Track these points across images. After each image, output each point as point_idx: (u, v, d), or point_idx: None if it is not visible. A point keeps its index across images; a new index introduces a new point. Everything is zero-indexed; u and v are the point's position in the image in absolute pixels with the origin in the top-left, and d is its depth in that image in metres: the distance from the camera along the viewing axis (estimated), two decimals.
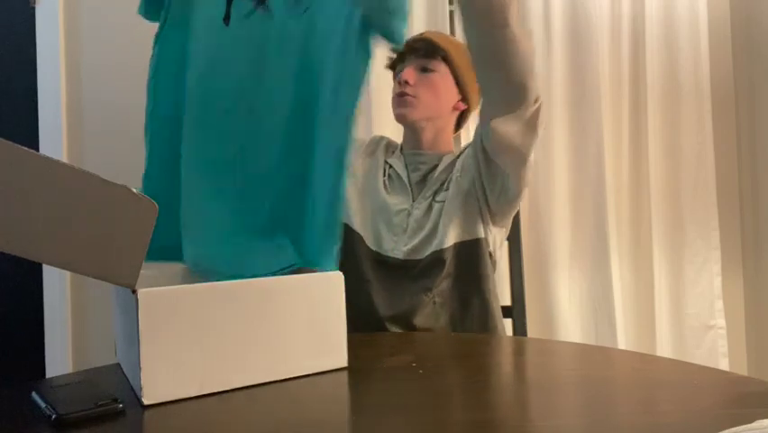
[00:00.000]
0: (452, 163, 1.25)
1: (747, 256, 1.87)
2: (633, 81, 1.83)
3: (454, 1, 1.80)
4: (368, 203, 1.23)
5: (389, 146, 1.34)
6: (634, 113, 1.84)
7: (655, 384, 0.72)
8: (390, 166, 1.28)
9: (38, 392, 0.67)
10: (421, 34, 1.30)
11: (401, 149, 1.31)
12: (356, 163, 1.27)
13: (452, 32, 1.83)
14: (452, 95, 1.27)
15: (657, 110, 1.82)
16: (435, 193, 1.22)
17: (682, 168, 1.82)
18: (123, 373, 0.79)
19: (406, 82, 1.22)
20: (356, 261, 1.18)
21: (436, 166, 1.25)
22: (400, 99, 1.24)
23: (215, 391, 0.70)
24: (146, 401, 0.66)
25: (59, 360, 1.82)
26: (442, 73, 1.25)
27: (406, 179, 1.25)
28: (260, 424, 0.62)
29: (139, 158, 1.87)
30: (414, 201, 1.23)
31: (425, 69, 1.24)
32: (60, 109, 1.85)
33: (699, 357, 1.78)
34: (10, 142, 0.56)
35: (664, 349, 1.79)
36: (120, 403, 0.64)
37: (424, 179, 1.25)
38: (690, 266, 1.82)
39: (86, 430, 0.59)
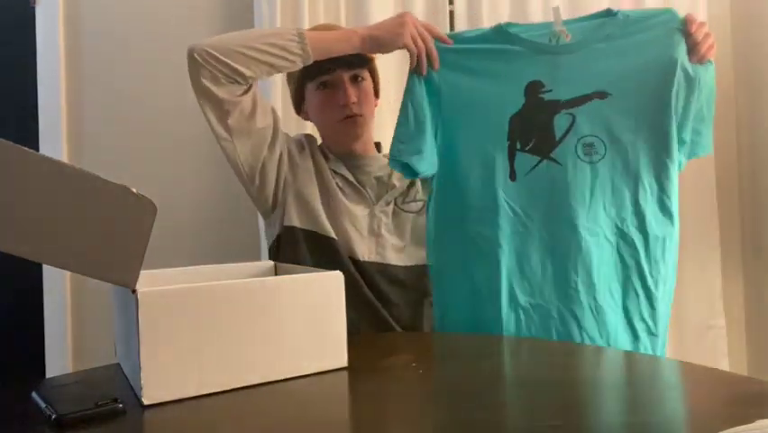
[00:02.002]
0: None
1: (747, 256, 1.86)
2: None
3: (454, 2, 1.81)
4: (329, 207, 1.19)
5: (319, 148, 1.29)
6: None
7: (655, 384, 0.72)
8: (335, 171, 1.23)
9: (38, 392, 0.67)
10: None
11: (323, 152, 1.27)
12: (306, 165, 1.22)
13: (452, 31, 1.83)
14: (373, 95, 1.27)
15: None
16: (400, 200, 1.23)
17: (682, 168, 1.82)
18: (123, 373, 0.79)
19: (352, 102, 1.19)
20: (341, 267, 1.15)
21: (383, 169, 1.25)
22: (350, 121, 1.21)
23: (215, 391, 0.70)
24: (146, 401, 0.66)
25: (59, 360, 1.82)
26: (367, 78, 1.25)
27: (357, 184, 1.22)
28: (260, 424, 0.62)
29: (139, 158, 1.88)
30: (375, 204, 1.21)
31: (355, 78, 1.22)
32: (60, 109, 1.85)
33: (699, 357, 1.78)
34: (10, 143, 0.56)
35: (664, 349, 1.79)
36: (120, 403, 0.64)
37: (377, 183, 1.24)
38: (690, 266, 1.82)
39: (86, 430, 0.59)
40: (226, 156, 1.13)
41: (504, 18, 1.82)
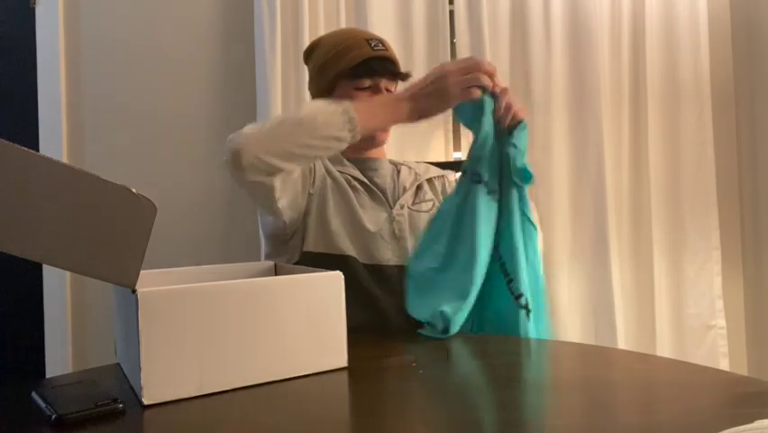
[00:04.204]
0: (412, 170, 1.29)
1: (747, 256, 1.87)
2: (633, 81, 1.84)
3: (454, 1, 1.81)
4: (347, 219, 1.18)
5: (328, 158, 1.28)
6: (634, 113, 1.84)
7: (655, 384, 0.72)
8: (352, 177, 1.22)
9: (38, 392, 0.67)
10: (384, 49, 1.23)
11: (335, 160, 1.26)
12: (325, 181, 1.20)
13: (453, 31, 1.84)
14: None
15: (657, 110, 1.82)
16: (411, 202, 1.24)
17: (682, 168, 1.82)
18: (123, 373, 0.79)
19: None
20: (358, 283, 1.13)
21: (394, 171, 1.27)
22: None
23: (215, 391, 0.70)
24: (146, 401, 0.66)
25: (59, 360, 1.82)
26: (399, 86, 1.26)
27: (375, 189, 1.22)
28: (260, 424, 0.62)
29: (139, 158, 1.88)
30: (392, 207, 1.21)
31: (387, 89, 1.23)
32: (60, 109, 1.85)
33: (699, 357, 1.78)
34: (10, 143, 0.56)
35: (664, 349, 1.79)
36: (120, 403, 0.64)
37: (393, 186, 1.24)
38: (690, 266, 1.82)
39: (86, 430, 0.59)
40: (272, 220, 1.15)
41: (503, 18, 1.82)
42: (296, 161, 0.99)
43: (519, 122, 1.05)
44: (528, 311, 1.03)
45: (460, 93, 1.00)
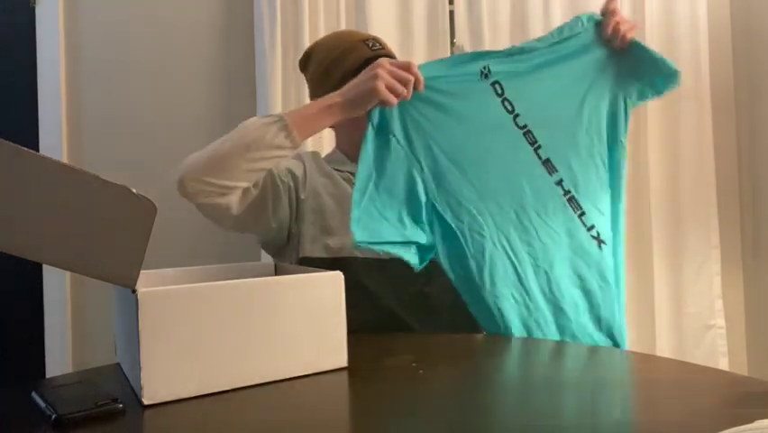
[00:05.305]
0: None
1: (747, 256, 1.87)
2: None
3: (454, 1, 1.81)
4: (347, 214, 1.18)
5: (320, 157, 1.29)
6: (633, 112, 1.83)
7: (655, 384, 0.72)
8: (352, 174, 1.20)
9: (38, 392, 0.67)
10: (381, 47, 1.23)
11: (331, 160, 1.27)
12: (317, 182, 1.20)
13: (453, 31, 1.84)
14: None
15: (657, 110, 1.82)
16: None
17: (682, 168, 1.82)
18: (123, 373, 0.79)
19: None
20: (358, 282, 1.11)
21: None
22: None
23: (215, 391, 0.70)
24: (146, 401, 0.66)
25: (59, 360, 1.82)
26: None
27: None
28: (260, 424, 0.62)
29: (139, 158, 1.88)
30: None
31: None
32: (60, 109, 1.85)
33: (699, 357, 1.78)
34: (10, 143, 0.56)
35: (664, 349, 1.79)
36: (120, 403, 0.64)
37: None
38: (690, 266, 1.82)
39: (86, 430, 0.59)
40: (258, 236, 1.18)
41: (504, 18, 1.82)
42: (242, 178, 1.01)
43: (631, 42, 1.12)
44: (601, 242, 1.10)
45: (385, 93, 1.00)
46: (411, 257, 1.00)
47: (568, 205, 1.10)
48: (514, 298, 1.03)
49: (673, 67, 1.15)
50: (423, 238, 1.02)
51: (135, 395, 0.68)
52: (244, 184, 1.03)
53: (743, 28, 1.86)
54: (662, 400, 0.65)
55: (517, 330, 1.01)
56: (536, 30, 1.80)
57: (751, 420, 0.51)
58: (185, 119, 1.88)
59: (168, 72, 1.88)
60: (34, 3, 1.83)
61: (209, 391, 0.69)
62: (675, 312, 1.82)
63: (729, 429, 0.49)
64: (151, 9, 1.87)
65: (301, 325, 0.76)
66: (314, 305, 0.77)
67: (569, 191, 1.10)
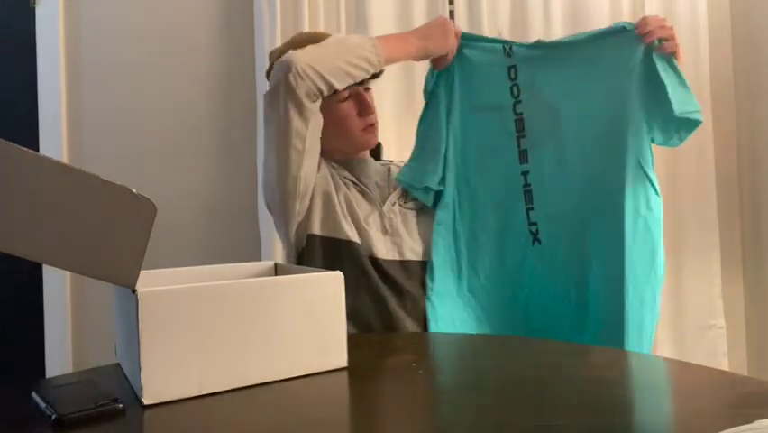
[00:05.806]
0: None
1: (747, 256, 1.87)
2: None
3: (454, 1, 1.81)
4: (347, 210, 1.20)
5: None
6: None
7: (655, 384, 0.72)
8: (343, 177, 1.24)
9: (38, 392, 0.67)
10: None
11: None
12: (323, 171, 1.22)
13: None
14: None
15: None
16: (402, 201, 1.25)
17: (682, 168, 1.82)
18: (123, 373, 0.79)
19: (372, 111, 1.24)
20: (361, 267, 1.14)
21: (380, 173, 1.29)
22: (371, 129, 1.26)
23: (215, 390, 0.70)
24: (146, 401, 0.66)
25: (59, 360, 1.82)
26: (371, 87, 1.28)
27: (365, 188, 1.24)
28: (260, 424, 0.62)
29: (139, 157, 1.88)
30: (382, 206, 1.23)
31: (366, 89, 1.25)
32: (60, 109, 1.85)
33: (698, 357, 1.78)
34: (10, 143, 0.56)
35: (664, 349, 1.79)
36: (120, 403, 0.64)
37: (378, 186, 1.26)
38: (690, 266, 1.82)
39: (86, 430, 0.59)
40: (283, 174, 1.13)
41: (504, 18, 1.82)
42: (339, 78, 1.08)
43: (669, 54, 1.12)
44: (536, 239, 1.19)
45: (454, 44, 1.20)
46: (428, 200, 1.23)
47: (522, 196, 1.20)
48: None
49: (696, 106, 1.11)
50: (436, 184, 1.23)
51: (135, 395, 0.68)
52: (337, 84, 1.08)
53: (743, 28, 1.86)
54: (662, 401, 0.65)
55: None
56: (536, 30, 1.80)
57: (751, 420, 0.51)
58: (185, 119, 1.88)
59: (168, 72, 1.88)
60: (34, 3, 1.83)
61: (209, 392, 0.69)
62: (676, 312, 1.82)
63: (729, 429, 0.50)
64: (151, 9, 1.87)
65: (301, 325, 0.76)
66: (314, 305, 0.77)
67: (529, 185, 1.19)
